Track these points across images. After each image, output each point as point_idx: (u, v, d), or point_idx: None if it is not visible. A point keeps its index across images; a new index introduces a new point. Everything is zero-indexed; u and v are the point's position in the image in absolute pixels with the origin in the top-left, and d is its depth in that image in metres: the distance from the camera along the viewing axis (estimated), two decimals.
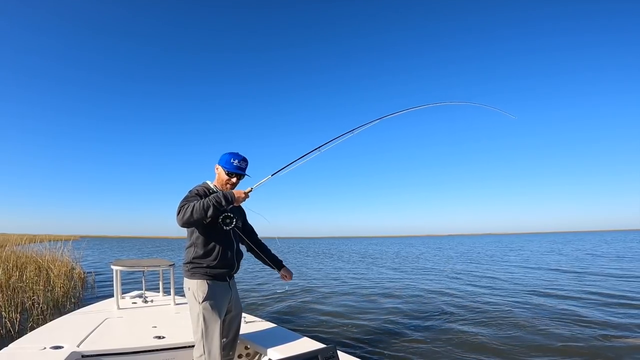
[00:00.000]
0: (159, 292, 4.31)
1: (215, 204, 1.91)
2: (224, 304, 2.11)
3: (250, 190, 2.12)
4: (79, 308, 3.68)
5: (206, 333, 1.99)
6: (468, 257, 19.35)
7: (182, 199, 2.03)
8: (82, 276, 9.10)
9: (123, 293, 3.92)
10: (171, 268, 3.81)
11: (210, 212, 1.90)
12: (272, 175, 2.17)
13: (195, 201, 1.93)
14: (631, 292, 7.39)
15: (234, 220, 2.05)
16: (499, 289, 8.38)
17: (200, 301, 2.01)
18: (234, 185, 2.20)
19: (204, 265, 2.05)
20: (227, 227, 2.04)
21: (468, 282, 9.56)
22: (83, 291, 7.86)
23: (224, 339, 2.19)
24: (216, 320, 2.02)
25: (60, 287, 6.82)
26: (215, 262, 2.06)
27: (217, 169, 2.23)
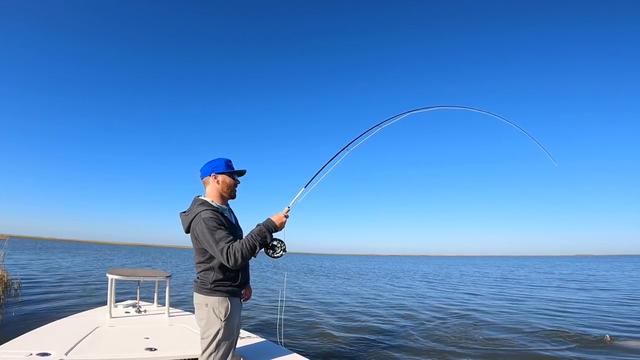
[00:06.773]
0: (153, 302, 4.22)
1: (261, 242, 1.91)
2: (238, 320, 2.12)
3: (288, 210, 1.99)
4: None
5: (220, 348, 1.98)
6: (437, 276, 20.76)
7: (209, 236, 1.88)
8: (5, 279, 8.52)
9: (116, 302, 3.86)
10: (167, 280, 3.78)
11: (257, 251, 1.92)
12: (305, 188, 2.03)
13: (236, 243, 1.88)
14: None
15: (283, 246, 1.96)
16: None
17: (223, 318, 1.98)
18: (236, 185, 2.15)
19: (227, 284, 2.03)
20: (278, 257, 1.96)
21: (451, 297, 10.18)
22: (5, 296, 7.41)
23: None
24: (233, 335, 2.05)
25: None
26: (238, 280, 2.06)
27: (214, 178, 2.08)
